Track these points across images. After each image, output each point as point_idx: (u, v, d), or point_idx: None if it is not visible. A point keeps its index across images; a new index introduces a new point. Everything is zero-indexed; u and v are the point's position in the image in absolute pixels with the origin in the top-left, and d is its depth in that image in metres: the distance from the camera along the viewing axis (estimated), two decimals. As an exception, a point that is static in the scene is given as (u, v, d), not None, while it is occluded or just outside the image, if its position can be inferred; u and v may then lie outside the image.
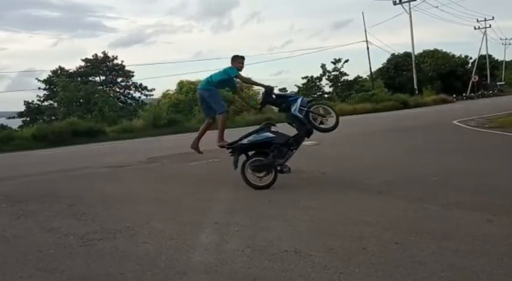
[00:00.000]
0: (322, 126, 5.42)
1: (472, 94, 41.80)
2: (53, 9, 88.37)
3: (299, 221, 3.69)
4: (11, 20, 69.46)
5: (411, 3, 36.84)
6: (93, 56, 38.84)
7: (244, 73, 6.08)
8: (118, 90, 40.18)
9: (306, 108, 5.29)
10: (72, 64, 51.50)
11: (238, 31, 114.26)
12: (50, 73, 37.79)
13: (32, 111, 36.82)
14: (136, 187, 6.09)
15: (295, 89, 43.18)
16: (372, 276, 2.48)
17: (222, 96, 5.93)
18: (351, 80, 39.16)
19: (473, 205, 3.92)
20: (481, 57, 48.44)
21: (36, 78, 38.15)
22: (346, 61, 38.38)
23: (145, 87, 39.60)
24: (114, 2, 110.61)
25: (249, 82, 5.58)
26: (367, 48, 34.64)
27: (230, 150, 5.36)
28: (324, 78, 39.82)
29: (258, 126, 5.54)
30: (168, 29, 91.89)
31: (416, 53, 39.88)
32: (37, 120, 33.52)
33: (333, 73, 38.97)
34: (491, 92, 43.93)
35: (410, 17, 36.97)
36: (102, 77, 39.49)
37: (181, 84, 31.43)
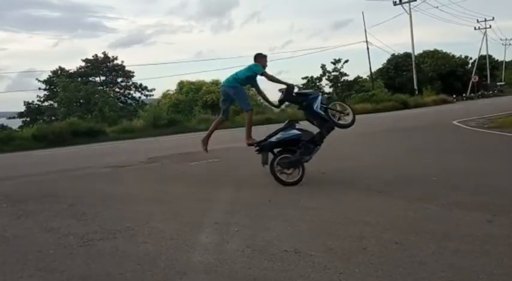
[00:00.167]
0: (341, 122, 5.57)
1: (472, 94, 41.81)
2: (53, 9, 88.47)
3: (299, 221, 3.69)
4: (11, 20, 69.56)
5: (411, 3, 36.91)
6: (93, 56, 38.90)
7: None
8: (118, 90, 40.20)
9: (325, 105, 5.46)
10: (73, 64, 51.70)
11: (238, 31, 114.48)
12: (50, 73, 37.84)
13: (32, 112, 36.84)
14: (137, 187, 6.10)
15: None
16: (372, 276, 2.48)
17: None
18: (351, 81, 39.15)
19: (473, 205, 3.92)
20: (481, 58, 48.45)
21: (37, 79, 38.21)
22: (346, 61, 38.38)
23: (146, 88, 39.66)
24: (114, 2, 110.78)
25: (274, 80, 5.71)
26: (367, 48, 34.70)
27: (257, 148, 5.49)
28: (324, 78, 39.80)
29: (282, 125, 5.64)
30: (168, 29, 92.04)
31: (416, 53, 39.93)
32: (37, 120, 33.54)
33: (333, 73, 38.95)
34: (491, 92, 43.95)
35: (411, 17, 37.02)
36: (102, 78, 39.52)
37: (181, 85, 31.47)
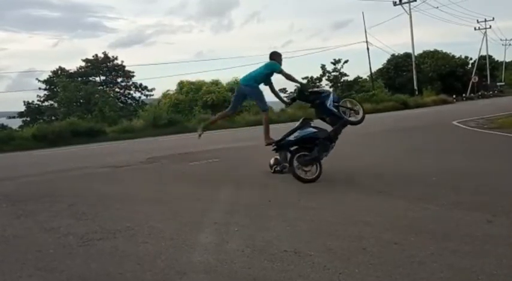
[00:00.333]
0: (351, 119, 5.72)
1: (472, 95, 41.81)
2: (53, 9, 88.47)
3: (299, 221, 3.69)
4: (11, 20, 69.54)
5: (411, 3, 36.88)
6: (93, 56, 38.89)
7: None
8: (118, 90, 40.20)
9: (336, 103, 5.61)
10: (73, 64, 51.69)
11: (238, 31, 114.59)
12: (50, 73, 37.84)
13: (32, 112, 36.86)
14: (136, 187, 6.09)
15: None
16: (372, 276, 2.48)
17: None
18: (351, 81, 39.14)
19: (473, 205, 3.92)
20: (481, 58, 48.45)
21: (37, 79, 38.18)
22: (346, 61, 38.36)
23: (146, 87, 39.66)
24: (114, 2, 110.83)
25: (290, 78, 5.86)
26: (367, 48, 34.65)
27: (275, 147, 5.62)
28: (324, 78, 39.79)
29: (297, 123, 5.74)
30: (168, 29, 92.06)
31: (416, 53, 39.91)
32: (37, 120, 33.54)
33: (332, 73, 38.95)
34: (491, 92, 43.95)
35: (411, 17, 37.01)
36: (103, 78, 39.52)
37: (181, 85, 31.47)
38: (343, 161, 7.21)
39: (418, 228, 3.31)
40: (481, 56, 48.70)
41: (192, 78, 32.48)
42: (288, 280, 2.51)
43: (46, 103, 37.70)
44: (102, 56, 38.86)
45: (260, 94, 5.90)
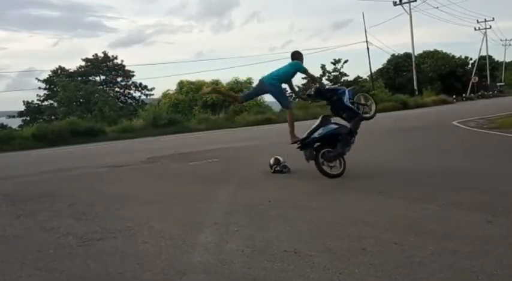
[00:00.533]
0: (365, 115, 5.90)
1: (472, 95, 41.82)
2: (53, 9, 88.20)
3: (299, 221, 3.69)
4: (11, 20, 69.42)
5: (411, 3, 36.94)
6: (93, 56, 38.95)
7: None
8: (118, 90, 40.23)
9: (352, 99, 5.77)
10: (72, 64, 51.50)
11: (238, 31, 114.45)
12: (50, 73, 37.87)
13: (32, 111, 36.88)
14: (136, 187, 6.09)
15: (295, 90, 43.17)
16: (372, 276, 2.48)
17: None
18: (351, 81, 39.20)
19: (473, 205, 3.92)
20: (481, 58, 48.47)
21: (36, 78, 38.22)
22: (346, 61, 38.46)
23: (146, 87, 39.69)
24: (114, 2, 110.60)
25: (313, 78, 6.11)
26: (367, 48, 34.68)
27: (299, 146, 5.73)
28: (324, 78, 39.84)
29: (318, 121, 5.83)
30: (168, 29, 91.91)
31: (416, 53, 39.94)
32: (37, 119, 33.55)
33: (332, 73, 39.03)
34: (491, 93, 43.96)
35: (411, 17, 37.04)
36: (102, 77, 39.52)
37: (181, 84, 31.48)
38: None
39: (418, 228, 3.31)
40: (481, 56, 48.76)
41: (192, 78, 32.54)
42: (287, 280, 2.51)
43: (46, 103, 37.75)
44: (102, 55, 38.93)
45: (283, 93, 6.03)
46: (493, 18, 49.58)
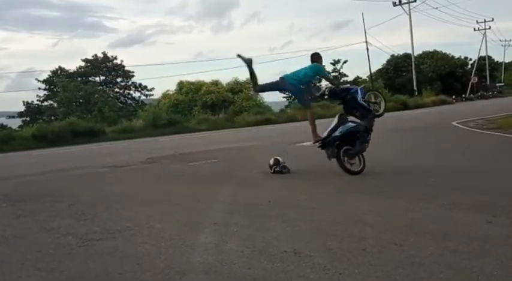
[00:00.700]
0: (376, 113, 6.04)
1: (472, 95, 41.84)
2: (53, 9, 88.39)
3: (298, 221, 3.69)
4: (11, 20, 69.46)
5: (411, 4, 36.95)
6: (93, 56, 38.94)
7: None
8: (118, 90, 40.22)
9: (363, 98, 5.90)
10: (72, 64, 51.55)
11: (238, 31, 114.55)
12: (50, 73, 37.84)
13: (31, 111, 36.87)
14: (136, 187, 6.09)
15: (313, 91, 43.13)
16: (371, 277, 2.47)
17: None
18: (350, 81, 39.18)
19: (473, 205, 3.92)
20: (481, 59, 48.49)
21: (36, 79, 38.19)
22: (346, 62, 38.47)
23: (145, 87, 39.66)
24: (114, 2, 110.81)
25: (331, 80, 6.29)
26: (367, 49, 34.59)
27: (320, 144, 5.85)
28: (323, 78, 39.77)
29: (335, 120, 5.93)
30: (168, 29, 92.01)
31: (416, 54, 39.99)
32: (37, 120, 33.54)
33: (332, 74, 38.97)
34: (490, 93, 43.96)
35: (410, 18, 37.08)
36: (102, 77, 39.51)
37: (181, 85, 31.49)
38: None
39: (418, 228, 3.30)
40: (481, 56, 48.78)
41: (192, 78, 32.49)
42: (287, 280, 2.51)
43: (46, 103, 37.75)
44: (102, 56, 38.90)
45: (302, 93, 6.10)
46: (493, 19, 49.46)
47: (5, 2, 67.37)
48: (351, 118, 5.95)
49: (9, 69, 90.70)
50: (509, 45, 55.98)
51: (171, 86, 33.35)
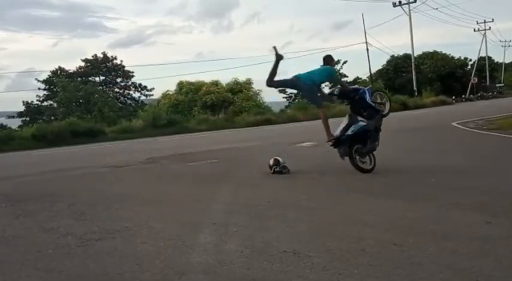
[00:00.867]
0: (382, 113, 6.15)
1: (471, 96, 41.83)
2: (53, 9, 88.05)
3: (298, 221, 3.69)
4: (11, 20, 69.20)
5: (411, 5, 36.93)
6: (92, 56, 38.91)
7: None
8: (117, 90, 40.20)
9: (371, 98, 6.02)
10: (72, 64, 51.56)
11: (238, 32, 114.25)
12: (50, 73, 37.82)
13: (31, 111, 36.85)
14: (136, 187, 6.09)
15: (295, 90, 43.28)
16: (371, 277, 2.48)
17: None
18: (350, 82, 39.17)
19: (473, 205, 3.92)
20: (481, 59, 48.48)
21: (36, 79, 38.17)
22: (345, 62, 38.43)
23: (145, 87, 39.64)
24: (114, 2, 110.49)
25: (340, 82, 6.43)
26: (367, 49, 34.69)
27: (333, 143, 5.96)
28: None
29: (346, 120, 6.06)
30: (168, 29, 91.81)
31: (415, 54, 39.97)
32: (37, 120, 33.51)
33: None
34: (490, 94, 43.95)
35: (410, 18, 37.07)
36: (102, 78, 39.50)
37: (181, 85, 31.48)
38: (343, 161, 7.21)
39: (417, 228, 3.31)
40: (481, 57, 48.76)
41: (192, 78, 32.49)
42: (287, 280, 2.51)
43: (45, 103, 37.73)
44: (102, 56, 38.87)
45: (315, 92, 6.20)
46: (493, 20, 49.38)
47: (5, 2, 67.23)
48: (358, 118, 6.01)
49: (9, 69, 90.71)
50: (509, 46, 55.97)
51: (171, 86, 33.36)
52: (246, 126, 21.17)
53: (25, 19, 70.01)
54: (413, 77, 37.14)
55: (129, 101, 40.28)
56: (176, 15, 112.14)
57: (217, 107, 28.87)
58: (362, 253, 2.84)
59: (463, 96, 40.67)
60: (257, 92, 30.68)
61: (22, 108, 36.94)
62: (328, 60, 6.27)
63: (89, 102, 34.10)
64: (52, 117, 33.96)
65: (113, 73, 39.63)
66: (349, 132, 5.84)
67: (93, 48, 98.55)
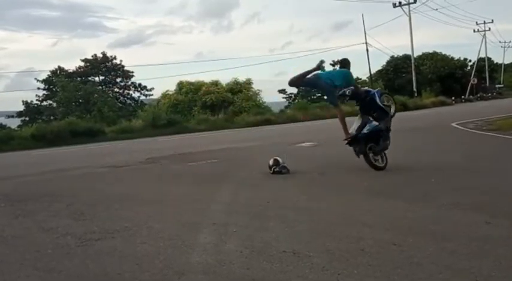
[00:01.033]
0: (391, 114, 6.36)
1: (471, 97, 41.84)
2: (52, 9, 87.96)
3: (297, 222, 3.69)
4: (11, 20, 69.13)
5: (411, 5, 36.92)
6: (92, 56, 38.86)
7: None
8: (117, 90, 40.17)
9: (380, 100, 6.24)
10: (72, 64, 51.52)
11: (238, 32, 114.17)
12: (49, 73, 37.78)
13: (31, 111, 36.80)
14: (135, 187, 6.09)
15: (295, 91, 43.30)
16: (370, 277, 2.48)
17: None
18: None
19: (472, 206, 3.92)
20: (480, 60, 48.49)
21: (36, 78, 38.13)
22: (345, 62, 38.30)
23: (145, 87, 39.62)
24: (114, 2, 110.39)
25: (356, 87, 6.51)
26: (367, 50, 34.66)
27: (349, 141, 6.12)
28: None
29: (358, 120, 6.25)
30: (168, 29, 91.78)
31: (415, 55, 39.95)
32: (36, 120, 33.47)
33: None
34: (490, 94, 43.96)
35: (410, 19, 37.06)
36: (102, 77, 39.48)
37: (180, 85, 31.46)
38: (342, 161, 7.21)
39: (417, 229, 3.31)
40: (480, 58, 48.77)
41: (192, 78, 32.47)
42: (286, 280, 2.51)
43: (45, 103, 37.67)
44: (101, 56, 38.84)
45: (332, 93, 6.36)
46: (492, 21, 49.38)
47: (5, 2, 67.15)
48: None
49: (9, 69, 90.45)
50: (508, 47, 55.96)
51: (171, 86, 33.32)
52: (246, 127, 21.16)
53: (25, 19, 69.98)
54: (413, 78, 37.13)
55: (128, 101, 40.25)
56: (176, 15, 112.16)
57: (217, 107, 28.86)
58: (361, 253, 2.84)
59: (463, 97, 40.68)
60: (257, 92, 30.71)
61: (21, 108, 36.92)
62: (345, 63, 6.58)
63: (88, 102, 34.07)
64: (51, 117, 33.90)
65: (112, 73, 39.60)
66: (364, 130, 6.03)
67: (93, 48, 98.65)
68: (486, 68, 48.98)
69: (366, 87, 7.09)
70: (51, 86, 37.25)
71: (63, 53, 69.47)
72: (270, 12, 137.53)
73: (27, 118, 35.89)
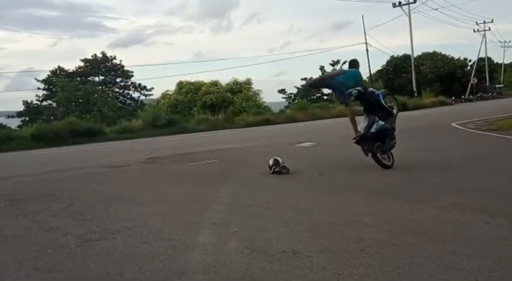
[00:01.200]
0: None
1: (471, 96, 41.83)
2: (52, 9, 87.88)
3: (297, 222, 3.69)
4: (11, 20, 69.08)
5: (410, 5, 36.91)
6: (92, 56, 38.83)
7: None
8: (117, 90, 40.15)
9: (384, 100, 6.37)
10: (72, 64, 51.49)
11: (237, 32, 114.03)
12: (49, 73, 37.75)
13: (31, 111, 36.77)
14: (135, 187, 6.09)
15: (295, 91, 43.30)
16: (370, 277, 2.48)
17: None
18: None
19: (472, 206, 3.92)
20: (480, 60, 48.48)
21: (35, 78, 38.09)
22: (345, 62, 38.36)
23: (145, 87, 39.60)
24: (114, 2, 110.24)
25: (364, 87, 6.63)
26: (367, 50, 34.67)
27: (357, 140, 6.22)
28: (323, 79, 39.68)
29: (364, 119, 6.37)
30: (168, 29, 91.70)
31: (415, 55, 39.95)
32: (36, 120, 33.43)
33: (332, 74, 38.90)
34: (490, 94, 43.96)
35: (410, 19, 37.04)
36: (101, 77, 39.46)
37: (180, 85, 31.46)
38: (342, 162, 7.22)
39: (417, 229, 3.31)
40: (480, 58, 48.74)
41: (191, 78, 32.46)
42: (286, 280, 2.51)
43: (45, 103, 37.63)
44: (101, 56, 38.82)
45: (343, 92, 6.45)
46: (492, 20, 49.33)
47: (5, 2, 67.08)
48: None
49: (9, 69, 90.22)
50: (508, 47, 55.91)
51: (171, 86, 33.31)
52: (246, 127, 21.16)
53: (25, 19, 69.95)
54: (413, 78, 37.13)
55: (128, 101, 40.22)
56: (176, 15, 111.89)
57: (216, 107, 28.84)
58: (361, 253, 2.84)
59: (463, 97, 40.67)
60: (257, 92, 30.70)
61: (21, 108, 36.88)
62: (354, 63, 6.71)
63: (88, 102, 34.05)
64: (51, 117, 33.87)
65: (112, 73, 39.57)
66: (372, 130, 6.14)
67: (93, 48, 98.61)
68: (486, 68, 48.96)
69: (371, 88, 7.16)
70: (51, 86, 37.22)
71: (63, 53, 69.49)
72: (270, 13, 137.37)
73: (27, 118, 35.85)
